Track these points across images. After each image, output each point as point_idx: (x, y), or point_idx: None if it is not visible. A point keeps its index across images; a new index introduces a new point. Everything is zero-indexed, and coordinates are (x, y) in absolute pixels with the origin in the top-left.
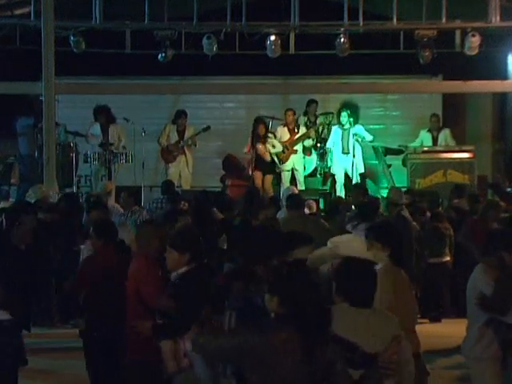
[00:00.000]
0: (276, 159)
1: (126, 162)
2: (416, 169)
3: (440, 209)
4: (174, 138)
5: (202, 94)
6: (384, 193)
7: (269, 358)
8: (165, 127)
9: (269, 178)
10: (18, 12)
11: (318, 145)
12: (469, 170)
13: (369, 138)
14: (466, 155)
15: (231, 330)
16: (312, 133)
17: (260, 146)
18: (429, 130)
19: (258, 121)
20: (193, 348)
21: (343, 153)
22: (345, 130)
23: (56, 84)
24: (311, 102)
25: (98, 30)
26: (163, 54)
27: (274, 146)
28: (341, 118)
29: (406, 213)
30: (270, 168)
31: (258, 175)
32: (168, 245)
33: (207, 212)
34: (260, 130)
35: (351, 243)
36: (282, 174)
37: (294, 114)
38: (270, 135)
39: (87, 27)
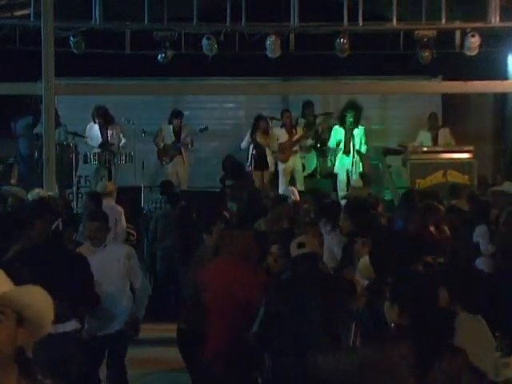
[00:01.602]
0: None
1: (125, 162)
2: (416, 169)
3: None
4: (170, 138)
5: (202, 95)
6: (384, 193)
7: (389, 375)
8: (160, 128)
9: (267, 175)
10: (17, 13)
11: (318, 145)
12: (469, 170)
13: (363, 148)
14: (466, 155)
15: (353, 345)
16: (311, 133)
17: (261, 139)
18: (428, 130)
19: (260, 117)
20: (309, 369)
21: (345, 153)
22: (347, 130)
23: (56, 85)
24: (307, 103)
25: (98, 30)
26: (163, 55)
27: (273, 144)
28: (346, 119)
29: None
30: (267, 164)
31: (256, 174)
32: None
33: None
34: (262, 125)
35: None
36: (281, 174)
37: (291, 114)
38: (271, 132)
39: (87, 28)
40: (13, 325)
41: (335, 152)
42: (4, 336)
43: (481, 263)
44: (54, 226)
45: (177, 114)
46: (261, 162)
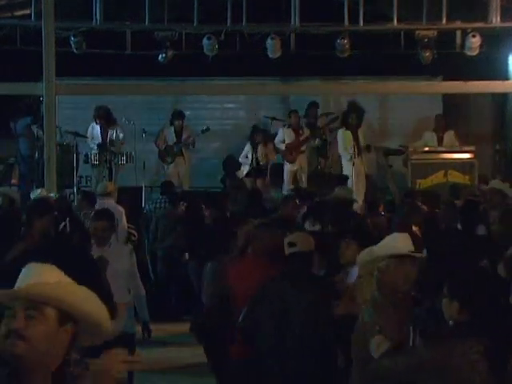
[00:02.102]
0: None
1: (126, 162)
2: (417, 169)
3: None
4: (172, 139)
5: (203, 95)
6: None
7: (452, 376)
8: (162, 129)
9: (260, 182)
10: (18, 13)
11: (321, 146)
12: (469, 170)
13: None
14: (466, 156)
15: (414, 347)
16: (318, 133)
17: (262, 154)
18: (433, 131)
19: (254, 130)
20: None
21: (347, 153)
22: (350, 131)
23: (57, 85)
24: (312, 104)
25: (99, 30)
26: (163, 55)
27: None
28: (349, 121)
29: None
30: (262, 171)
31: (259, 182)
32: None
33: None
34: (258, 138)
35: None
36: (286, 174)
37: (298, 115)
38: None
39: (88, 28)
40: (51, 322)
41: (345, 154)
42: (38, 332)
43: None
44: (61, 226)
45: (178, 115)
46: (256, 169)
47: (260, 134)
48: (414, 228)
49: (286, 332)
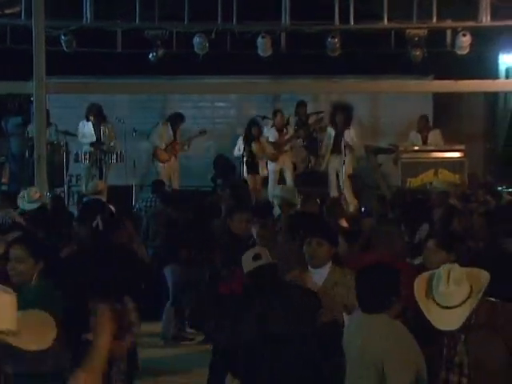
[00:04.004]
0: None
1: (116, 161)
2: (407, 168)
3: None
4: (169, 138)
5: (193, 94)
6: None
7: None
8: (159, 127)
9: (259, 178)
10: (8, 11)
11: (309, 145)
12: (460, 169)
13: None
14: (456, 154)
15: None
16: (301, 133)
17: (255, 147)
18: (418, 131)
19: (253, 122)
20: None
21: (335, 153)
22: (338, 130)
23: (47, 83)
24: (301, 103)
25: (89, 29)
26: (154, 54)
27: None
28: (336, 119)
29: None
30: (258, 170)
31: (250, 178)
32: (434, 244)
33: None
34: (254, 131)
35: None
36: (270, 173)
37: (282, 114)
38: (262, 137)
39: (78, 26)
40: None
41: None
42: None
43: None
44: (93, 225)
45: (181, 118)
46: (253, 166)
47: (257, 128)
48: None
49: (269, 344)
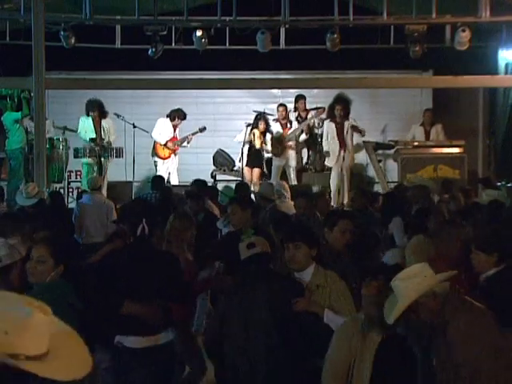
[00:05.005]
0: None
1: (116, 157)
2: (406, 163)
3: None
4: (169, 134)
5: (192, 89)
6: (377, 187)
7: None
8: (160, 123)
9: (257, 171)
10: (7, 6)
11: (311, 140)
12: (459, 164)
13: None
14: (456, 150)
15: None
16: (305, 127)
17: (258, 140)
18: (421, 125)
19: (260, 117)
20: None
21: (336, 147)
22: (338, 124)
23: (46, 79)
24: (299, 97)
25: (88, 24)
26: (153, 49)
27: (266, 144)
28: (335, 113)
29: None
30: (259, 162)
31: (247, 170)
32: (474, 247)
33: None
34: (261, 126)
35: None
36: (274, 168)
37: (286, 109)
38: (268, 133)
39: (77, 22)
40: None
41: (328, 146)
42: None
43: (393, 254)
44: (139, 231)
45: (181, 115)
46: (253, 159)
47: (263, 122)
48: None
49: (254, 333)
